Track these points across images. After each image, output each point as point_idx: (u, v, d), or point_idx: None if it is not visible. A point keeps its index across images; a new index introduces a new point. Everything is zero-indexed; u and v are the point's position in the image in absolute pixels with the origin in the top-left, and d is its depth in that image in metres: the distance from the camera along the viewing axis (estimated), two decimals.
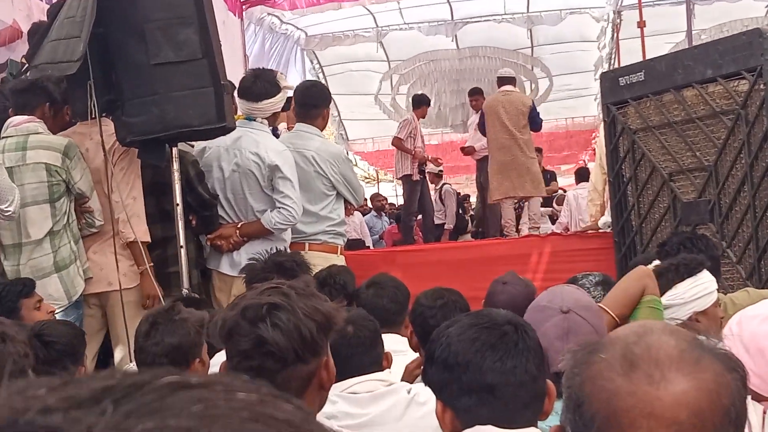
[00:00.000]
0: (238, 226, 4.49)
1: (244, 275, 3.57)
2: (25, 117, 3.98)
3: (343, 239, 5.01)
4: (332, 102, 6.18)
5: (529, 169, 7.83)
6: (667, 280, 2.87)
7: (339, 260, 4.74)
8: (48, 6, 5.27)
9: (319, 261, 4.42)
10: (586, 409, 0.99)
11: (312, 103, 4.97)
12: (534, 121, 7.95)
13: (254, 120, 4.55)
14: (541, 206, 10.80)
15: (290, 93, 4.78)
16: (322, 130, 5.04)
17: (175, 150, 4.01)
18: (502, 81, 8.19)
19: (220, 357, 1.97)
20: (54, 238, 3.90)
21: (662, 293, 2.83)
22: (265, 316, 1.69)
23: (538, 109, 8.37)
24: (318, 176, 4.81)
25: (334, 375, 1.83)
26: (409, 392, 2.30)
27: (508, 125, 7.73)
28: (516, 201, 8.72)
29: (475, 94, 9.56)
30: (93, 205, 4.04)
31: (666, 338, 1.01)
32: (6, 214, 3.63)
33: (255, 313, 1.70)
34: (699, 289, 2.86)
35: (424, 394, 2.21)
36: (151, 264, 4.13)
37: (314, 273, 3.60)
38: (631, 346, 1.00)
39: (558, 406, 1.66)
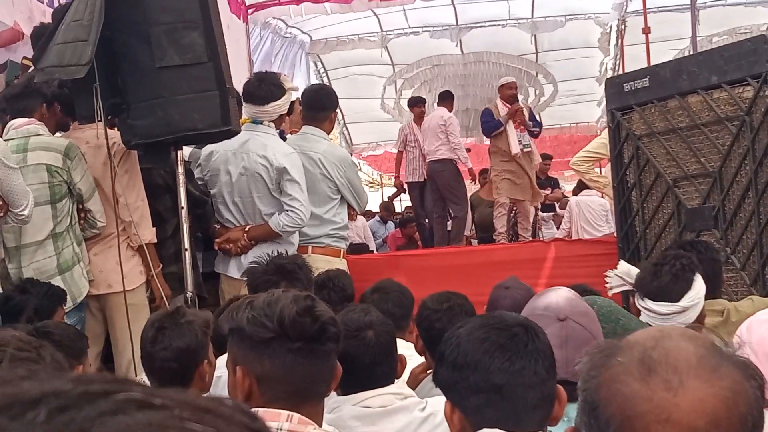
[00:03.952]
0: (246, 229, 4.49)
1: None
2: (26, 120, 3.98)
3: (345, 243, 5.02)
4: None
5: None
6: (686, 281, 2.78)
7: (341, 264, 4.73)
8: (49, 8, 5.28)
9: (321, 264, 4.42)
10: (602, 412, 0.99)
11: (320, 106, 4.98)
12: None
13: (261, 123, 4.55)
14: (543, 211, 10.83)
15: (296, 94, 4.78)
16: (328, 134, 5.04)
17: (180, 153, 4.02)
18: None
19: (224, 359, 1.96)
20: (57, 240, 3.90)
21: (681, 296, 2.75)
22: None
23: (543, 114, 8.43)
24: (324, 179, 4.81)
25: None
26: (423, 410, 2.25)
27: None
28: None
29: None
30: (93, 207, 4.04)
31: (685, 344, 1.00)
32: (20, 218, 3.65)
33: None
34: (702, 284, 2.83)
35: (438, 415, 2.14)
36: (161, 265, 4.17)
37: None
38: (649, 351, 0.99)
39: (568, 411, 1.65)
